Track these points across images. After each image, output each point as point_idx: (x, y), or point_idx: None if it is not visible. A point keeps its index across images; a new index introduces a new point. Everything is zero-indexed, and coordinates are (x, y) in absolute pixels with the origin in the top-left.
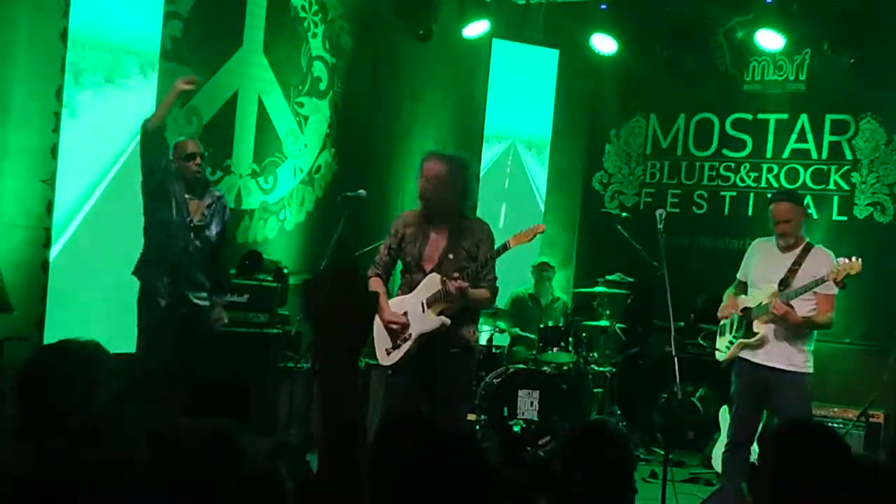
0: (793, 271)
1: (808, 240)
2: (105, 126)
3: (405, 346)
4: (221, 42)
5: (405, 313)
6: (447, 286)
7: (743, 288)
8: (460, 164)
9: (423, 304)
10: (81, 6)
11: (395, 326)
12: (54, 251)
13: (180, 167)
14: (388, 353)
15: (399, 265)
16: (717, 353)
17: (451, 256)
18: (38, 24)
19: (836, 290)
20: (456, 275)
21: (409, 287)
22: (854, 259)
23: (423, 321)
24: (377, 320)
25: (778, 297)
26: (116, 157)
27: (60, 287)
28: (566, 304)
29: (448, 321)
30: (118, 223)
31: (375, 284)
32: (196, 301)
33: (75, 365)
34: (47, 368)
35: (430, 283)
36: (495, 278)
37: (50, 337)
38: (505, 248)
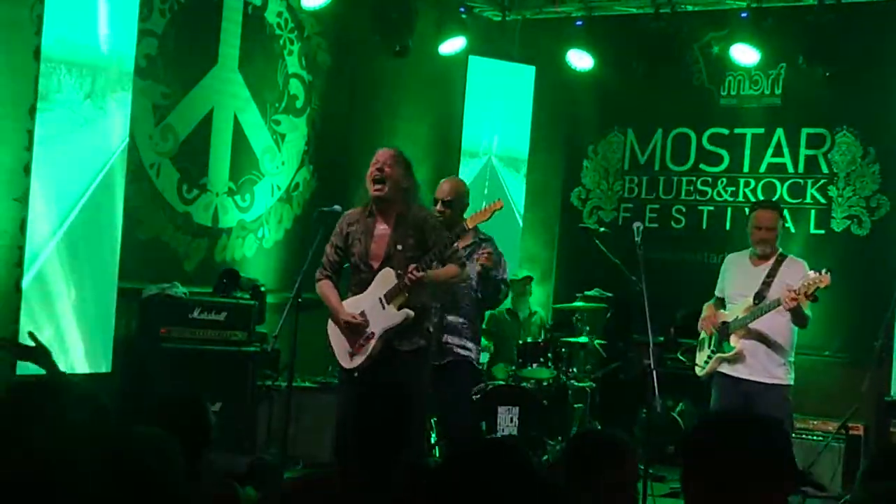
0: (767, 283)
1: (780, 251)
2: (79, 144)
3: (370, 346)
4: (196, 59)
5: (362, 313)
6: (404, 279)
7: (722, 304)
8: (405, 155)
9: (381, 300)
10: (55, 24)
11: (353, 324)
12: (29, 274)
13: None
14: (352, 357)
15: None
16: (696, 367)
17: (399, 248)
18: (12, 43)
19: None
20: (411, 267)
21: (359, 287)
22: (823, 273)
23: (386, 317)
24: (331, 325)
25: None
26: (93, 175)
27: (34, 307)
28: (543, 318)
29: (412, 313)
30: (93, 243)
31: (326, 287)
32: None
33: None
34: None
35: (386, 279)
36: (461, 255)
37: None
38: (463, 229)
